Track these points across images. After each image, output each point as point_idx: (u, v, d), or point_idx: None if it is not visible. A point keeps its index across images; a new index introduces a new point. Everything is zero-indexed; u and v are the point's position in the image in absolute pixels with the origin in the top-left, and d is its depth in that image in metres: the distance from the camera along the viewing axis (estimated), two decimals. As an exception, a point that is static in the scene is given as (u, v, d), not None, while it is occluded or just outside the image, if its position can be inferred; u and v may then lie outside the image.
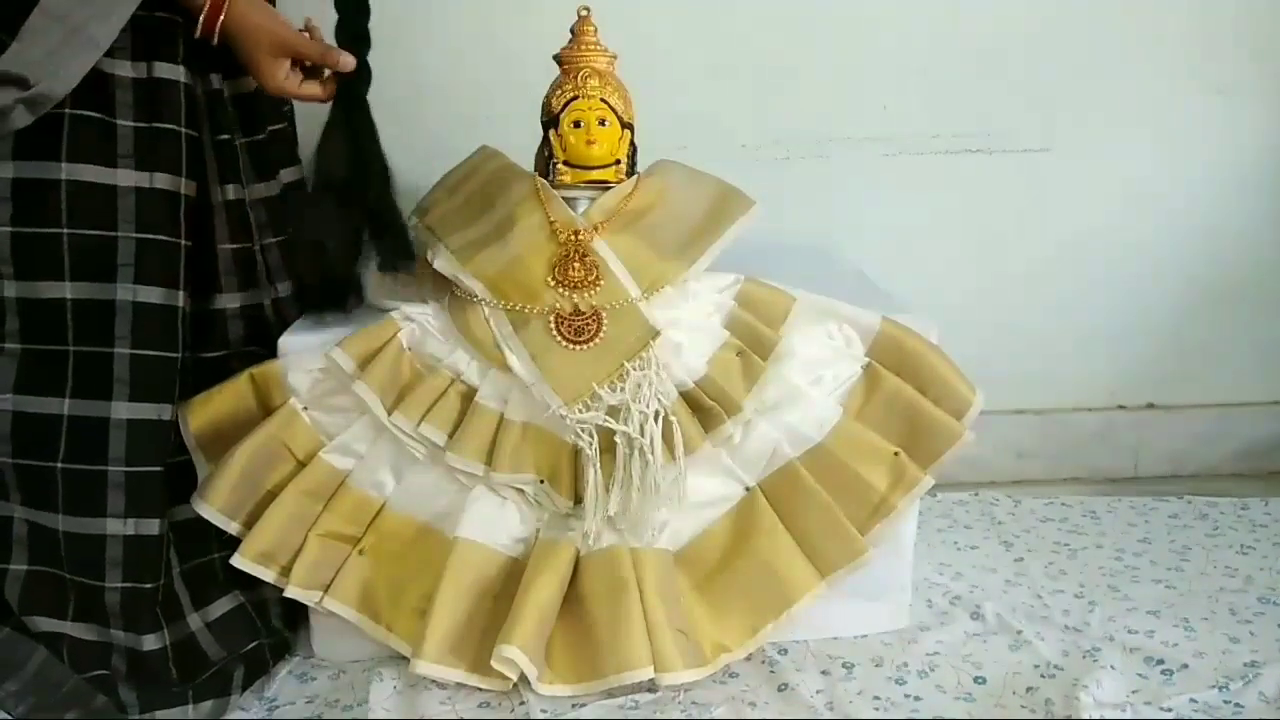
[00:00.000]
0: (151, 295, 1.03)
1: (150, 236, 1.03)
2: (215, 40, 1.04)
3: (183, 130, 1.05)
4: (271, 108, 1.20)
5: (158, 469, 1.05)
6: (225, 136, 1.12)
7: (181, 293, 1.06)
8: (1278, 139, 1.59)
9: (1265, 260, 1.64)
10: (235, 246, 1.13)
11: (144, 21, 0.98)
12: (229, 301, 1.14)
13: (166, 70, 1.04)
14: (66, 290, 1.01)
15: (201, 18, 1.02)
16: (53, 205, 0.99)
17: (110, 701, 1.05)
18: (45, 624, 1.05)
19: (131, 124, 1.02)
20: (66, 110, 0.98)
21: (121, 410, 1.02)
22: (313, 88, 1.09)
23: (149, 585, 1.05)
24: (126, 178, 1.02)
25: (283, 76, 1.07)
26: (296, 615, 1.20)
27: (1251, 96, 1.57)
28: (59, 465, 1.02)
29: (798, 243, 1.46)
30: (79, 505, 1.03)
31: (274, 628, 1.17)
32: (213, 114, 1.11)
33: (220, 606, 1.12)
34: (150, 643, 1.07)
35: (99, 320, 1.02)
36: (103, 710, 1.04)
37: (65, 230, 1.00)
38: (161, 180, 1.03)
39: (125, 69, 1.02)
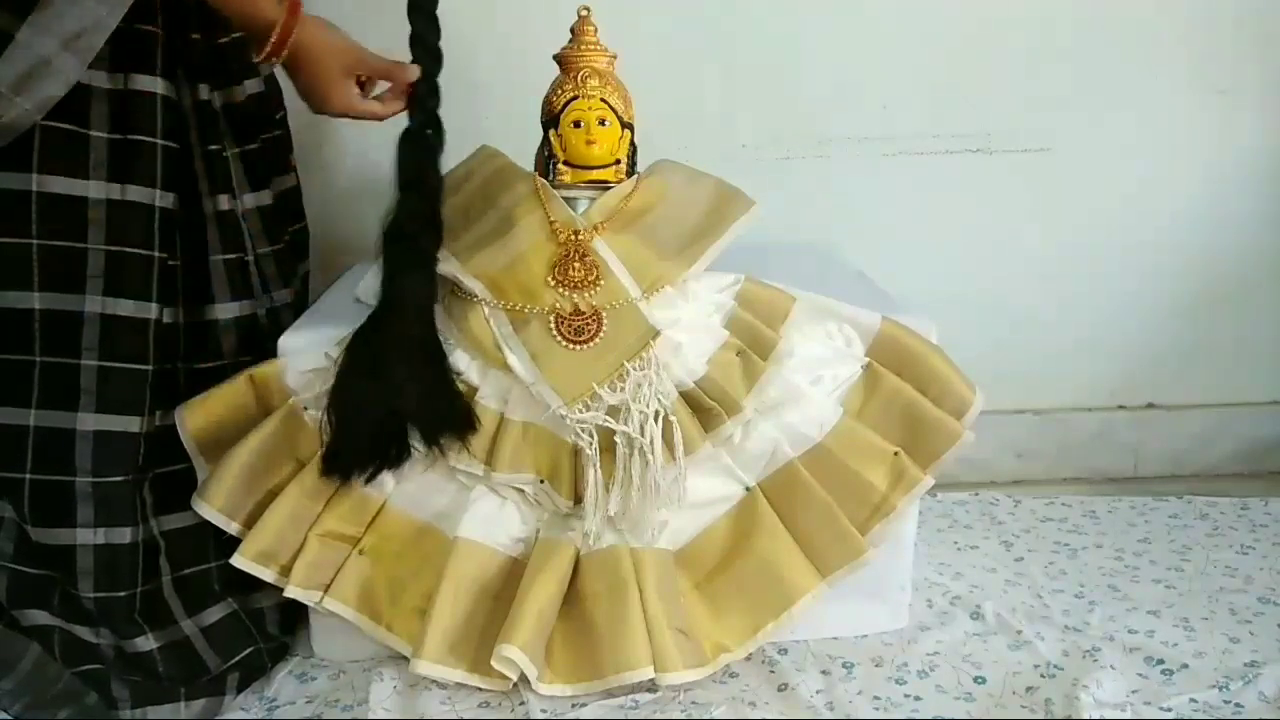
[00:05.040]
0: (121, 308, 1.03)
1: (121, 249, 1.02)
2: (277, 61, 1.03)
3: (159, 142, 1.04)
4: (264, 115, 1.19)
5: (127, 479, 1.05)
6: (215, 147, 1.12)
7: (154, 305, 1.05)
8: (1278, 139, 1.59)
9: (1265, 260, 1.64)
10: (228, 257, 1.13)
11: (123, 33, 0.98)
12: (223, 312, 1.13)
13: (144, 82, 1.03)
14: (34, 301, 1.00)
15: (272, 39, 1.01)
16: (23, 216, 0.99)
17: (101, 699, 1.05)
18: (36, 617, 1.06)
19: (105, 135, 1.02)
20: (39, 122, 0.97)
21: (88, 422, 1.02)
22: (374, 105, 1.10)
23: (123, 594, 1.05)
24: (98, 190, 1.01)
25: (352, 95, 1.07)
26: (294, 619, 1.20)
27: (1251, 96, 1.57)
28: (27, 476, 1.02)
29: (798, 243, 1.46)
30: (47, 516, 1.03)
31: (270, 634, 1.17)
32: (201, 125, 1.11)
33: (214, 613, 1.12)
34: (139, 645, 1.07)
35: (66, 331, 1.01)
36: (94, 708, 1.04)
37: (35, 241, 1.00)
38: (134, 193, 1.03)
39: (102, 80, 1.01)
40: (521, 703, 1.09)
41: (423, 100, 1.10)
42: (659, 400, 1.09)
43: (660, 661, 1.06)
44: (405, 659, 1.10)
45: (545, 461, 1.12)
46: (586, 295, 1.11)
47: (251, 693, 1.13)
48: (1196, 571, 1.36)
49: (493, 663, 1.06)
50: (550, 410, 1.09)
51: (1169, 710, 1.06)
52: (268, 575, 1.10)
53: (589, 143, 1.15)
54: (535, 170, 1.19)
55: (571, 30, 1.18)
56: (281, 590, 1.10)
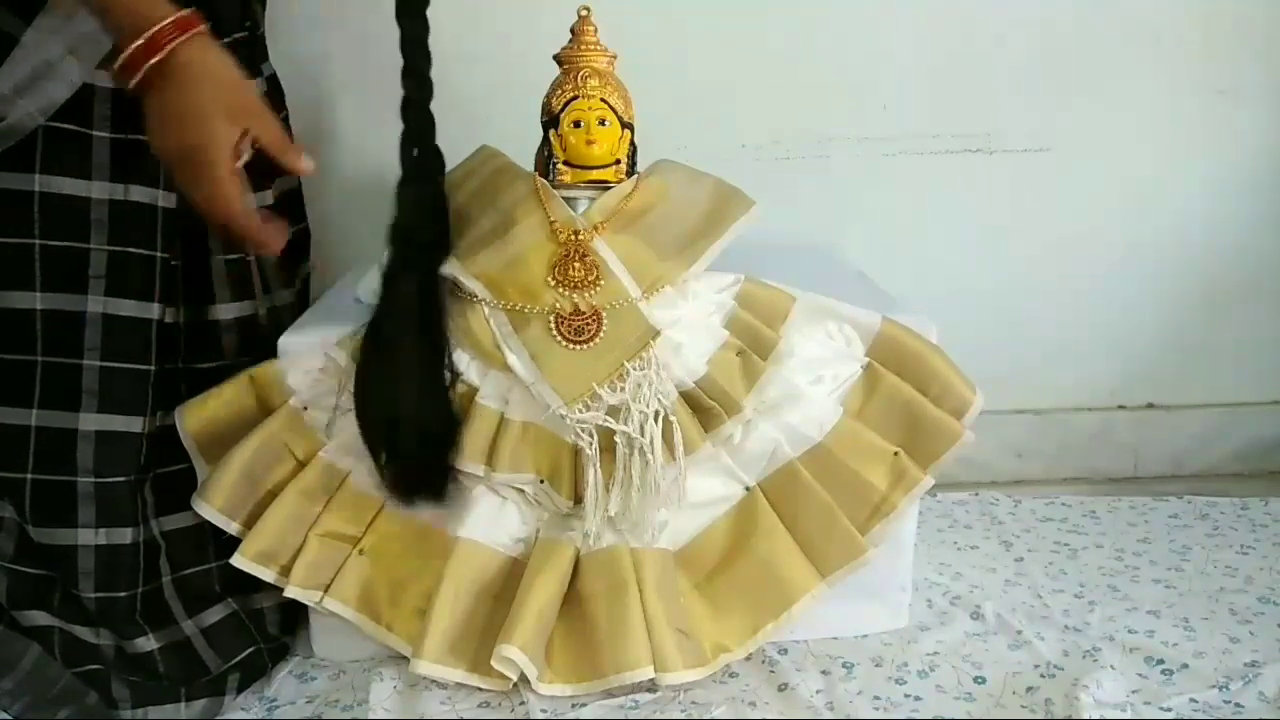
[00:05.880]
0: (123, 307, 1.03)
1: (123, 249, 1.02)
2: (138, 74, 0.84)
3: None
4: None
5: (128, 479, 1.05)
6: None
7: (157, 305, 1.05)
8: (1278, 139, 1.59)
9: (1265, 260, 1.64)
10: (229, 257, 1.13)
11: None
12: (224, 312, 1.13)
13: None
14: (37, 301, 1.00)
15: (139, 41, 0.84)
16: (25, 217, 0.99)
17: (102, 700, 1.05)
18: (36, 617, 1.05)
19: (108, 135, 1.01)
20: (42, 123, 0.97)
21: (90, 422, 1.02)
22: (246, 209, 0.92)
23: (124, 594, 1.05)
24: (101, 190, 1.01)
25: (227, 147, 0.88)
26: (294, 619, 1.20)
27: (1251, 97, 1.57)
28: (28, 476, 1.02)
29: (798, 243, 1.46)
30: (48, 516, 1.03)
31: (270, 634, 1.17)
32: None
33: (214, 614, 1.12)
34: (140, 645, 1.07)
35: (69, 331, 1.01)
36: (95, 708, 1.04)
37: (37, 241, 0.99)
38: (137, 193, 1.03)
39: (105, 79, 1.00)
40: (521, 703, 1.09)
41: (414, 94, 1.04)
42: (659, 400, 1.09)
43: (660, 661, 1.06)
44: (405, 659, 1.10)
45: (545, 461, 1.12)
46: (586, 295, 1.11)
47: (251, 693, 1.13)
48: (1196, 571, 1.36)
49: (493, 663, 1.06)
50: (550, 410, 1.09)
51: (1169, 710, 1.06)
52: (268, 575, 1.10)
53: (589, 143, 1.15)
54: (535, 170, 1.19)
55: (571, 30, 1.18)
56: (281, 590, 1.10)
